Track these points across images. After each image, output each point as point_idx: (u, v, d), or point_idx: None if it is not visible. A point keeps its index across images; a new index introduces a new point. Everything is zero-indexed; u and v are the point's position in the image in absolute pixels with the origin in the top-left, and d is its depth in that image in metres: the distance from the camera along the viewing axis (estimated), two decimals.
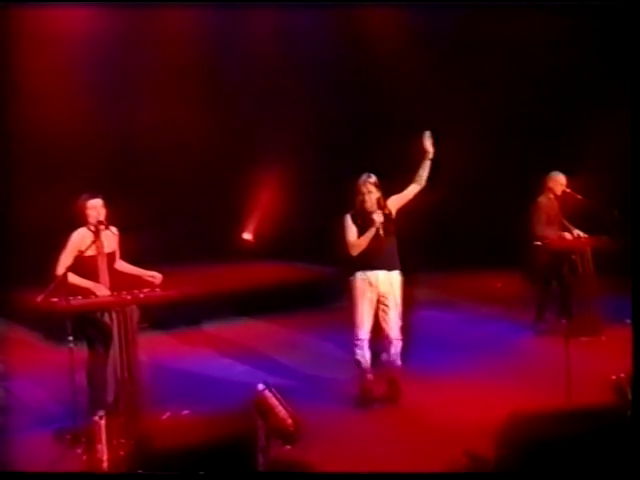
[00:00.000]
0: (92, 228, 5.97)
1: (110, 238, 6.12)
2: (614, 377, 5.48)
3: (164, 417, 5.94)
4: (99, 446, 4.82)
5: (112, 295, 5.86)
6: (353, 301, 6.71)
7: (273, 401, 5.33)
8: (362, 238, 6.52)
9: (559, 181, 8.19)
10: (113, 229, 6.14)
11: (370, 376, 6.66)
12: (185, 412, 5.98)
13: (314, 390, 7.05)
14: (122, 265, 6.27)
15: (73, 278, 5.78)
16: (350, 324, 9.32)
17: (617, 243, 8.10)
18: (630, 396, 5.31)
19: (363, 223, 6.55)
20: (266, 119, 12.28)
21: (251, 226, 12.70)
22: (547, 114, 11.97)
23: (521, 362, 7.40)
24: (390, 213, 6.58)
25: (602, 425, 4.96)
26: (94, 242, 5.93)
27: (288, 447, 5.29)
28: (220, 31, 11.75)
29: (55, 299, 5.62)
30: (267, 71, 12.14)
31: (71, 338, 5.51)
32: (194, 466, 4.85)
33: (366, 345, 6.67)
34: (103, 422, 4.94)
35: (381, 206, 6.54)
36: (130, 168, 11.37)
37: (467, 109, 11.94)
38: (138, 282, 6.21)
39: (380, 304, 6.64)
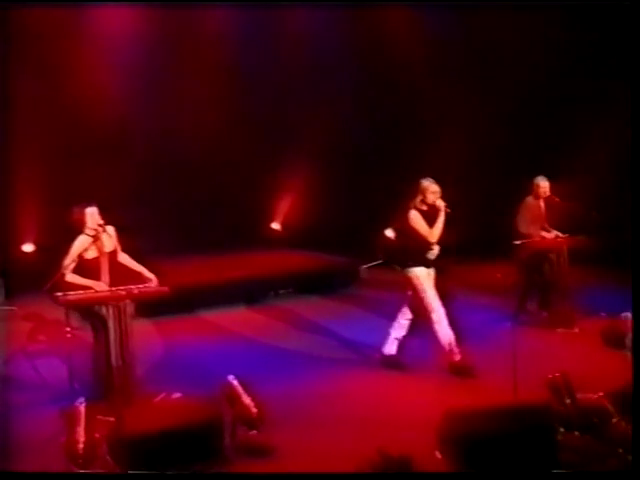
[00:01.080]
0: (91, 232, 6.25)
1: (109, 238, 6.40)
2: (550, 376, 5.49)
3: (157, 399, 6.15)
4: (78, 429, 5.08)
5: (108, 291, 6.16)
6: (421, 291, 7.05)
7: (240, 390, 5.55)
8: (435, 226, 6.98)
9: (543, 185, 8.23)
10: (110, 230, 6.43)
11: (456, 349, 6.99)
12: (177, 395, 6.16)
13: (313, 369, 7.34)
14: (125, 259, 6.54)
15: (74, 278, 6.18)
16: (355, 310, 9.63)
17: (595, 242, 8.16)
18: (566, 395, 5.39)
19: (428, 215, 7.02)
20: (293, 117, 12.26)
21: (280, 217, 12.79)
22: (539, 123, 12.01)
23: (492, 351, 7.38)
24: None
25: (532, 424, 5.06)
26: (94, 244, 6.25)
27: (253, 432, 5.45)
28: (243, 31, 11.74)
29: (58, 293, 5.97)
30: (293, 69, 12.15)
31: (69, 329, 5.81)
32: (164, 448, 5.14)
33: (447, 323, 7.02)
34: (82, 407, 5.22)
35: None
36: (164, 160, 11.48)
37: (467, 107, 11.90)
38: (137, 277, 6.49)
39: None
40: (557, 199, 8.12)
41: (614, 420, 5.14)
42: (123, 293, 6.14)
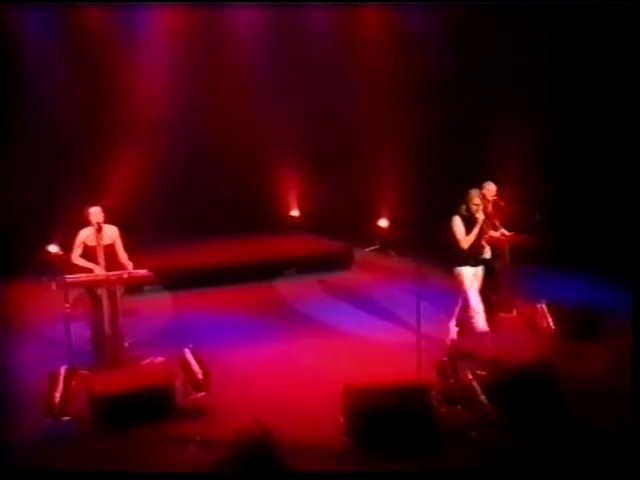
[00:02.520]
0: (94, 227, 7.05)
1: (110, 234, 7.20)
2: (441, 359, 5.98)
3: (143, 362, 6.89)
4: (55, 393, 5.88)
5: (103, 275, 7.00)
6: (466, 290, 7.25)
7: (190, 359, 6.24)
8: (471, 234, 7.20)
9: (491, 189, 8.45)
10: (112, 227, 7.21)
11: (489, 344, 7.10)
12: (159, 359, 6.84)
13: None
14: (120, 251, 7.27)
15: (79, 261, 6.99)
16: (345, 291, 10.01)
17: (537, 240, 8.39)
18: (451, 376, 5.87)
19: (469, 222, 7.23)
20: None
21: (298, 204, 13.03)
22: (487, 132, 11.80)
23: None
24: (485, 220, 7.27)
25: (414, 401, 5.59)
26: (95, 236, 7.05)
27: (200, 394, 6.15)
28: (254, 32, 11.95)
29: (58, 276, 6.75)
30: (305, 65, 12.30)
31: (68, 305, 6.60)
32: (128, 404, 5.90)
33: (484, 320, 7.18)
34: (63, 369, 5.98)
35: (483, 211, 7.29)
36: (195, 154, 11.82)
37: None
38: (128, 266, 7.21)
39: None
40: (502, 202, 8.39)
41: (480, 398, 5.61)
42: (115, 278, 6.95)
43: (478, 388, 5.65)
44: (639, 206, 9.74)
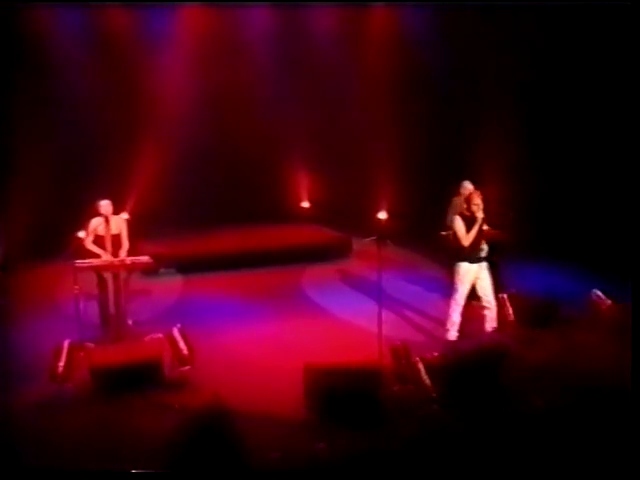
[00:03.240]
0: (103, 218, 7.65)
1: (118, 224, 7.84)
2: (396, 343, 6.41)
3: (144, 338, 7.35)
4: (59, 363, 6.53)
5: (109, 261, 7.63)
6: (457, 283, 7.57)
7: (177, 337, 6.82)
8: (471, 232, 7.46)
9: (467, 187, 8.73)
10: (120, 218, 7.89)
11: (455, 334, 7.60)
12: (159, 335, 7.28)
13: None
14: (124, 240, 7.88)
15: (91, 246, 7.66)
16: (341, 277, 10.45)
17: (510, 235, 8.65)
18: (403, 358, 6.30)
19: (469, 221, 7.51)
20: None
21: (308, 196, 13.21)
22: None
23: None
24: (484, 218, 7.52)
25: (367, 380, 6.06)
26: (104, 226, 7.67)
27: (185, 368, 6.72)
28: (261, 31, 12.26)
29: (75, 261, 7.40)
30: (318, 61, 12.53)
31: (76, 286, 7.19)
32: (119, 379, 6.48)
33: (459, 316, 7.60)
34: (66, 345, 6.60)
35: (482, 210, 7.51)
36: (212, 148, 12.11)
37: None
38: (132, 252, 7.86)
39: (479, 286, 7.60)
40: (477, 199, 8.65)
41: (424, 378, 6.05)
42: (118, 263, 7.55)
43: (423, 369, 6.10)
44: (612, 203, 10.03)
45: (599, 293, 8.13)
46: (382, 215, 12.57)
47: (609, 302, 8.01)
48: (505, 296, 8.01)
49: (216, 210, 11.81)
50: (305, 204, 13.20)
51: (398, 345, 6.41)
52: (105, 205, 7.70)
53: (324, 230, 12.13)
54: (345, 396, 5.93)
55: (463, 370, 6.17)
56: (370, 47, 12.54)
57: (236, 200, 12.10)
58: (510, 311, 7.91)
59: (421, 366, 6.13)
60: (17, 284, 9.28)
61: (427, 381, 6.07)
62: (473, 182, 8.83)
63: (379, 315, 6.87)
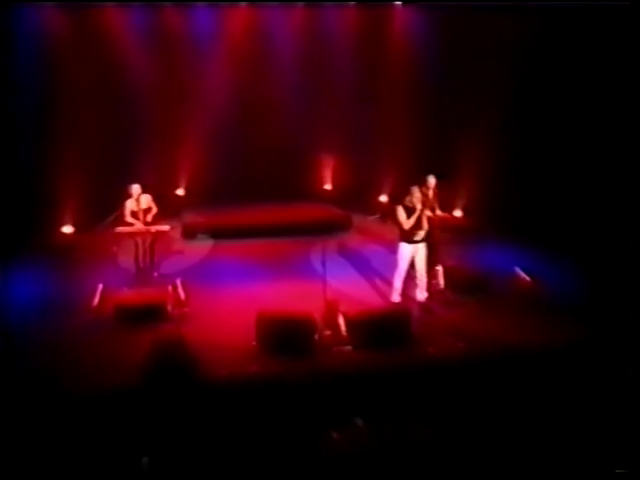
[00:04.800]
0: (134, 198, 9.58)
1: (147, 201, 9.75)
2: (328, 299, 7.90)
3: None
4: (94, 300, 8.43)
5: (138, 228, 9.55)
6: (398, 258, 8.79)
7: (179, 285, 8.66)
8: (410, 219, 8.65)
9: (431, 180, 9.94)
10: (148, 196, 9.71)
11: (398, 297, 8.89)
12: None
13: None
14: (152, 213, 9.74)
15: (128, 218, 9.58)
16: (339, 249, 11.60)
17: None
18: (334, 310, 7.79)
19: (410, 210, 8.67)
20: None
21: (332, 179, 14.43)
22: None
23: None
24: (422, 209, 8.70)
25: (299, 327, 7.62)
26: (136, 204, 9.50)
27: (184, 309, 8.52)
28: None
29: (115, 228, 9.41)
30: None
31: (115, 247, 9.12)
32: (134, 314, 8.29)
33: (401, 284, 8.87)
34: (100, 287, 8.44)
35: (421, 202, 8.68)
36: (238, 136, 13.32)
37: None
38: (157, 222, 9.69)
39: (415, 262, 8.82)
40: (437, 190, 9.89)
41: (341, 326, 7.54)
42: (145, 230, 9.54)
43: (342, 320, 7.62)
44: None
45: (519, 270, 9.32)
46: (383, 198, 14.01)
47: (528, 279, 9.21)
48: (440, 268, 9.35)
49: (248, 189, 13.26)
50: (327, 186, 14.56)
51: (330, 301, 7.96)
52: (136, 188, 9.64)
53: (332, 209, 13.28)
54: (284, 335, 7.54)
55: (369, 323, 7.68)
56: (388, 44, 13.52)
57: (267, 181, 13.35)
58: (441, 281, 9.25)
59: (341, 318, 7.66)
60: (82, 242, 11.22)
61: (343, 329, 7.60)
62: (437, 176, 10.02)
63: (324, 278, 8.33)
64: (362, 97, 13.68)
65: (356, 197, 13.46)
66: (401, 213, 8.74)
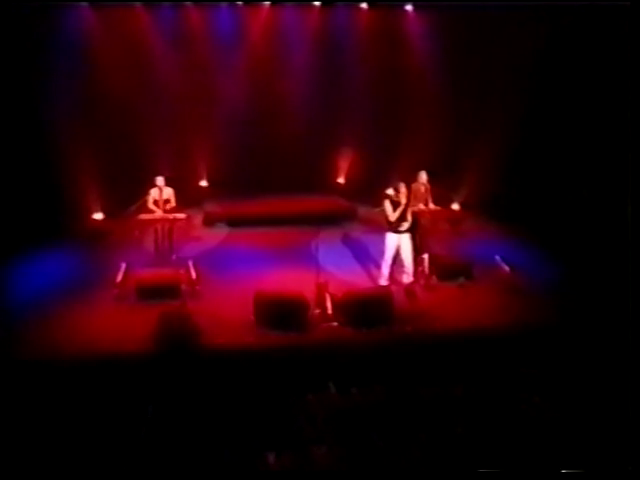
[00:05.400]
0: (157, 188, 10.52)
1: (167, 193, 10.78)
2: (319, 281, 8.73)
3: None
4: (119, 275, 9.54)
5: (159, 216, 10.59)
6: (385, 247, 9.59)
7: (191, 267, 9.68)
8: (395, 212, 9.52)
9: (423, 175, 10.77)
10: (169, 189, 10.71)
11: (385, 282, 9.69)
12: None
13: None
14: (171, 204, 10.71)
15: (151, 206, 10.45)
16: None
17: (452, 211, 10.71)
18: (324, 291, 8.62)
19: (395, 204, 9.53)
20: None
21: (345, 174, 15.32)
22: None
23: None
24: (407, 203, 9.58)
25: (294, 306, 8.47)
26: (158, 194, 10.46)
27: (196, 287, 9.48)
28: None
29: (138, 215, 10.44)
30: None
31: (137, 231, 10.12)
32: (152, 291, 9.24)
33: (388, 270, 9.68)
34: (123, 266, 9.49)
35: (406, 197, 9.55)
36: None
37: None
38: (175, 211, 10.66)
39: (401, 251, 9.59)
40: (429, 185, 10.61)
41: (327, 304, 8.40)
42: (164, 218, 10.53)
43: (329, 300, 8.50)
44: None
45: (499, 259, 10.01)
46: (390, 191, 14.66)
47: (507, 268, 9.89)
48: (425, 256, 10.10)
49: (266, 181, 14.13)
50: (341, 180, 15.43)
51: (321, 283, 8.83)
52: (160, 180, 10.70)
53: (339, 200, 14.16)
54: (277, 312, 8.45)
55: (353, 303, 8.51)
56: (400, 45, 14.23)
57: (283, 174, 14.13)
58: (426, 268, 10.00)
59: (328, 298, 8.51)
60: (110, 227, 12.23)
61: (329, 308, 8.45)
62: (428, 172, 10.81)
63: (317, 263, 9.20)
64: (376, 96, 14.36)
65: (366, 190, 13.98)
66: (388, 206, 9.55)
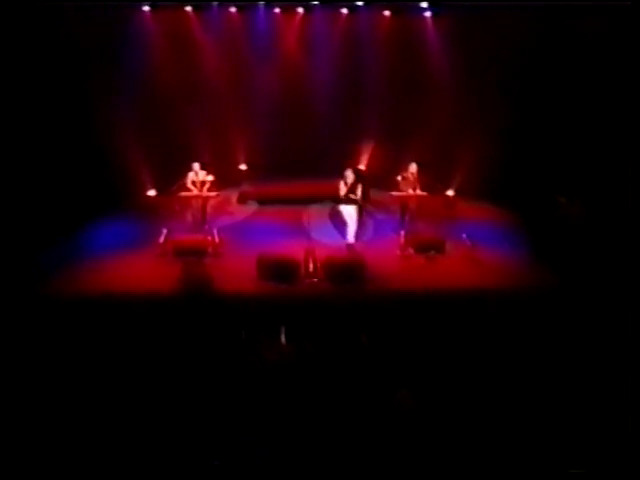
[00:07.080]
0: (194, 172, 12.93)
1: (202, 175, 13.13)
2: (307, 247, 10.85)
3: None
4: (160, 239, 11.92)
5: (195, 194, 12.94)
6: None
7: (215, 233, 12.04)
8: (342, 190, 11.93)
9: (413, 166, 12.55)
10: (203, 172, 13.02)
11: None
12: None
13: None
14: (207, 184, 12.98)
15: (189, 185, 12.92)
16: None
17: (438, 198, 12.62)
18: (310, 257, 10.74)
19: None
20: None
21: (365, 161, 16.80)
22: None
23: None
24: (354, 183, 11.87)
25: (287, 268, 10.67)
26: (195, 176, 12.82)
27: (219, 250, 11.81)
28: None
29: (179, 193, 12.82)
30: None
31: (177, 206, 12.55)
32: (186, 250, 11.63)
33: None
34: (165, 232, 11.94)
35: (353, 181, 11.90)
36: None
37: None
38: (210, 189, 12.94)
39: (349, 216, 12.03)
40: (417, 175, 12.51)
41: (310, 266, 10.53)
42: (197, 195, 12.87)
43: (312, 263, 10.59)
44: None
45: (465, 236, 11.84)
46: (399, 178, 16.51)
47: (469, 244, 11.72)
48: (402, 233, 12.03)
49: (296, 167, 15.49)
50: (362, 167, 17.20)
51: (308, 248, 10.96)
52: (196, 165, 13.02)
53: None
54: (275, 270, 10.65)
55: (331, 264, 10.61)
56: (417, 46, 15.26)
57: (312, 161, 15.49)
58: (402, 241, 11.95)
59: (311, 261, 10.65)
60: (160, 201, 14.56)
61: (311, 268, 10.62)
62: (418, 163, 12.66)
63: (308, 234, 11.31)
64: (394, 92, 15.50)
65: (384, 176, 15.27)
66: (341, 187, 11.92)
